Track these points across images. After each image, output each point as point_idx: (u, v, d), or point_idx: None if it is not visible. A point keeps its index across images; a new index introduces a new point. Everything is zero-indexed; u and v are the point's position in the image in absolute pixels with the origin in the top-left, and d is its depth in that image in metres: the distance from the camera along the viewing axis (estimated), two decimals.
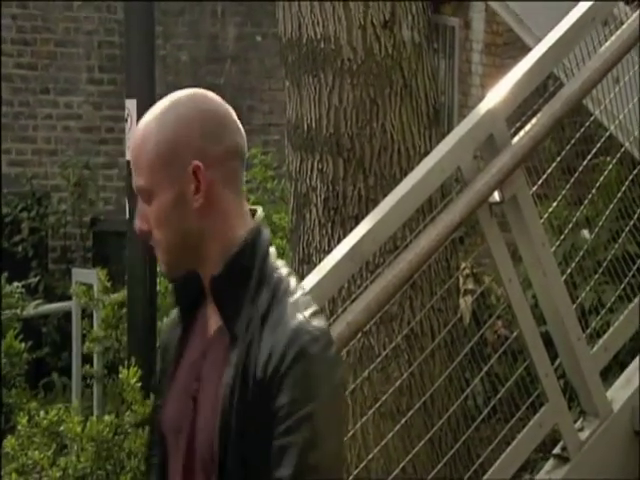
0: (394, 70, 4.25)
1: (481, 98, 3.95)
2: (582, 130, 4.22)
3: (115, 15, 8.69)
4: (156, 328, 4.68)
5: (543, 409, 3.78)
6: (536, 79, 3.80)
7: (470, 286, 6.07)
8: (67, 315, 6.72)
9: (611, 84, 4.19)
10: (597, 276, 4.28)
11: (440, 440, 4.02)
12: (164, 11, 8.39)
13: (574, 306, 3.95)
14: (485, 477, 3.68)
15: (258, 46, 9.19)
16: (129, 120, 4.73)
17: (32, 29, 8.74)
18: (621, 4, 4.39)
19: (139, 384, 4.29)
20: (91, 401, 5.83)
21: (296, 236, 4.41)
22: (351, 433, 3.73)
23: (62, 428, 4.21)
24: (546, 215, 4.08)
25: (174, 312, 2.09)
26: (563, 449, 3.86)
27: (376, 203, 3.81)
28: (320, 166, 4.27)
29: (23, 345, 5.19)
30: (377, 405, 3.83)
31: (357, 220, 3.96)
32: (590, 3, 3.96)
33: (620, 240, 4.37)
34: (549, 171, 4.00)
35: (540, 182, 3.92)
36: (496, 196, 3.64)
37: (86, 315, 6.04)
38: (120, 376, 4.35)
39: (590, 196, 4.28)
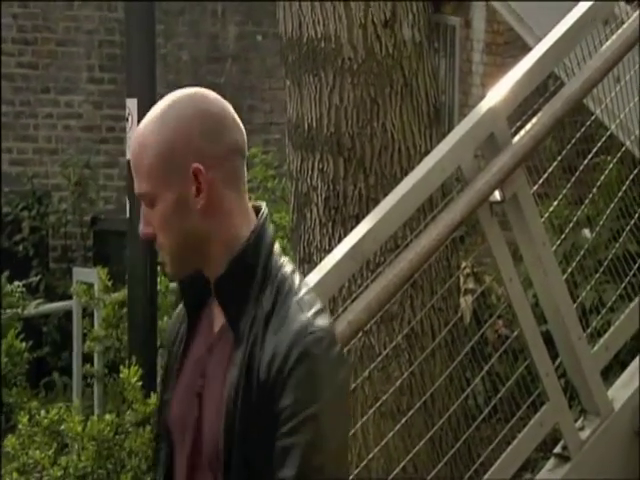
0: (395, 69, 4.25)
1: (482, 97, 3.95)
2: (583, 129, 4.22)
3: (116, 14, 8.67)
4: (157, 327, 4.68)
5: (544, 408, 3.78)
6: (537, 78, 3.79)
7: (471, 285, 6.06)
8: (68, 314, 6.72)
9: (612, 83, 4.19)
10: (598, 275, 4.28)
11: (441, 439, 4.02)
12: (165, 10, 8.38)
13: (575, 305, 3.94)
14: (486, 476, 3.68)
15: (259, 45, 9.19)
16: (130, 119, 4.73)
17: (33, 28, 8.73)
18: (622, 3, 4.39)
19: (140, 383, 4.29)
20: (92, 400, 5.84)
21: (297, 235, 4.41)
22: (352, 432, 3.73)
23: (63, 427, 4.21)
24: (547, 214, 4.08)
25: (180, 307, 2.09)
26: (564, 448, 3.86)
27: (377, 202, 3.81)
28: (321, 165, 4.27)
29: (24, 344, 5.18)
30: (378, 404, 3.83)
31: (358, 219, 3.96)
32: (591, 2, 3.96)
33: (621, 239, 4.37)
34: (550, 170, 4.00)
35: (541, 181, 3.92)
36: (497, 195, 3.64)
37: (87, 314, 6.05)
38: (121, 375, 4.35)
39: (591, 195, 4.28)
